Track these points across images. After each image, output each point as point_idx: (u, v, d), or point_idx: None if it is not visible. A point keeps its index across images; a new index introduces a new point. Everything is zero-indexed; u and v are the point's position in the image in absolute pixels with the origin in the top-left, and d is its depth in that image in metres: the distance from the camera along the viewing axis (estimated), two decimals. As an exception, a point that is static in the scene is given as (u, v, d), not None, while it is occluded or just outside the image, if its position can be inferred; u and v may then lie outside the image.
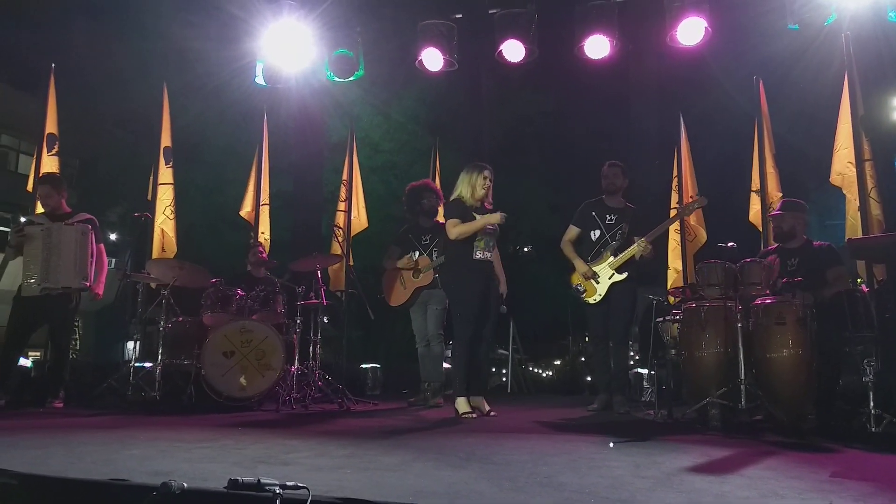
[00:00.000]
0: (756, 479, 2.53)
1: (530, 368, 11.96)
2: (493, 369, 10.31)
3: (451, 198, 4.93)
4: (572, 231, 5.40)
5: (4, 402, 5.24)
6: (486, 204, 4.87)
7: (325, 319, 6.32)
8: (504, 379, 9.67)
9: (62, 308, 5.41)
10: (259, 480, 1.96)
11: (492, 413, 4.76)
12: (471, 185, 4.81)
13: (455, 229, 4.72)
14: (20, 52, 13.66)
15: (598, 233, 5.27)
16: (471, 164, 4.97)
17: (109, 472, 2.37)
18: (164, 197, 7.40)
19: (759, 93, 6.92)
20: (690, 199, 6.87)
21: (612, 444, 3.23)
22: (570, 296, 5.44)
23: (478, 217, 4.76)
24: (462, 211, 4.78)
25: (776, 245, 5.03)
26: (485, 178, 4.82)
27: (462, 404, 4.67)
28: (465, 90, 9.06)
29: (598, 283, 5.18)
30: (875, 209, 5.78)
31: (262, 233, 7.82)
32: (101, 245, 5.68)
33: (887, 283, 5.35)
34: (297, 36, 7.36)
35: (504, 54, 7.14)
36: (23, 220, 5.59)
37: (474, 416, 4.63)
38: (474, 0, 7.46)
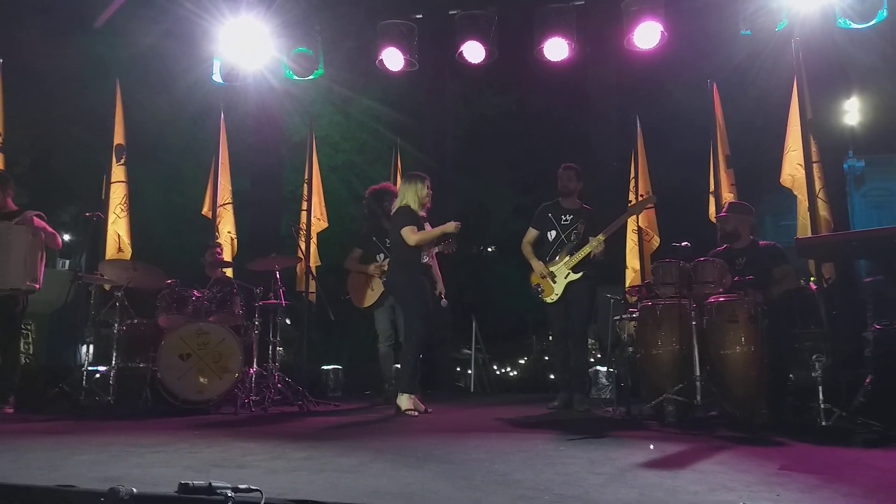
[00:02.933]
0: (707, 473, 2.58)
1: (493, 368, 12.01)
2: (458, 369, 10.33)
3: (399, 205, 5.10)
4: (531, 233, 5.50)
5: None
6: (423, 211, 5.12)
7: (287, 321, 6.26)
8: (465, 381, 9.69)
9: (8, 310, 5.23)
10: (210, 484, 1.94)
11: (428, 410, 4.90)
12: (417, 195, 5.06)
13: (415, 237, 4.92)
14: (-33, 47, 13.21)
15: (554, 233, 5.37)
16: (411, 175, 5.22)
17: (57, 478, 2.31)
18: (116, 195, 7.23)
19: (713, 96, 7.07)
20: (641, 198, 7.01)
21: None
22: (533, 296, 5.50)
23: (425, 226, 5.05)
24: (415, 218, 5.00)
25: (724, 246, 5.14)
26: (427, 187, 5.12)
27: (405, 401, 4.79)
28: (427, 90, 9.05)
29: (554, 282, 5.25)
30: (823, 210, 5.95)
31: (228, 232, 7.70)
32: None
33: (836, 280, 5.52)
34: (255, 33, 7.29)
35: (465, 55, 7.18)
36: None
37: (416, 414, 4.74)
38: (434, 0, 7.48)
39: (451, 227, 4.95)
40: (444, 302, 5.58)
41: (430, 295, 5.10)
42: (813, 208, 5.90)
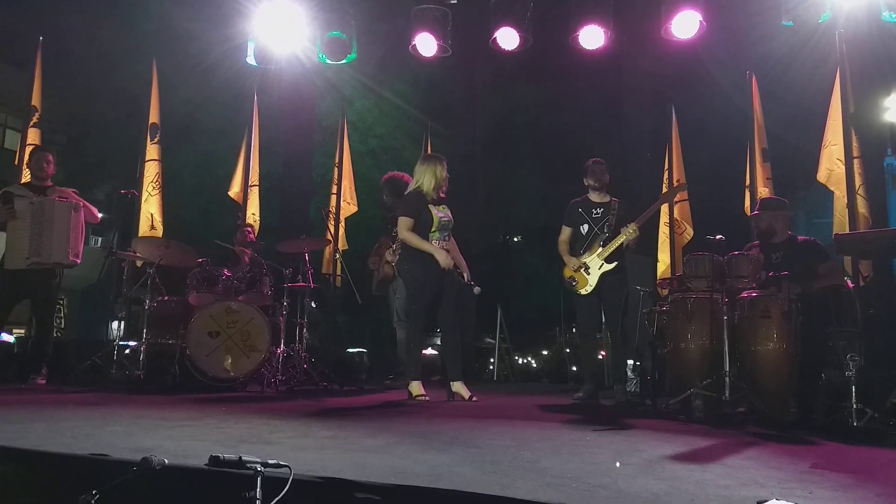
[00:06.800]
0: (737, 468, 2.54)
1: (517, 358, 12.00)
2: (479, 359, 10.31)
3: (413, 188, 4.92)
4: (565, 231, 5.47)
5: (-14, 377, 5.20)
6: (441, 193, 4.92)
7: (313, 304, 6.30)
8: (491, 367, 9.70)
9: (45, 283, 5.35)
10: (241, 458, 1.95)
11: (473, 398, 4.78)
12: (435, 176, 4.84)
13: (406, 234, 4.75)
14: (8, 26, 13.48)
15: (586, 227, 5.35)
16: (429, 156, 5.06)
17: (90, 447, 2.34)
18: (149, 174, 7.34)
19: (752, 88, 6.93)
20: (676, 184, 6.93)
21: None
22: (558, 286, 5.50)
23: (432, 209, 4.80)
24: (418, 205, 4.80)
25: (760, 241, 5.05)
26: (444, 169, 4.90)
27: (415, 387, 4.76)
28: (459, 77, 9.02)
29: (588, 274, 5.23)
30: (862, 207, 5.82)
31: (252, 214, 7.78)
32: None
33: (873, 279, 5.40)
34: (289, 17, 7.31)
35: (498, 42, 7.11)
36: (7, 190, 5.49)
37: (427, 398, 4.70)
38: (469, -14, 7.41)
39: (441, 257, 4.70)
40: (476, 289, 5.38)
41: (446, 282, 4.86)
42: (852, 205, 5.78)
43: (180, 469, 2.05)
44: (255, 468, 1.92)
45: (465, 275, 5.18)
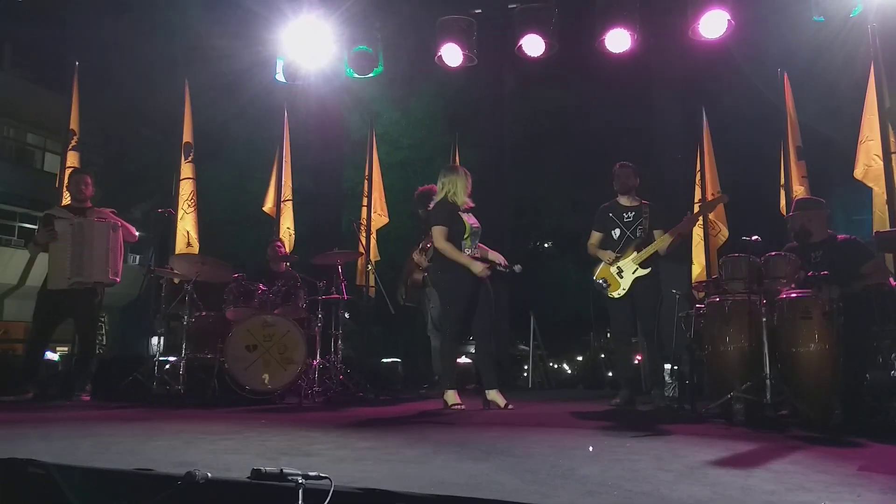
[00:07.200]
0: (782, 472, 2.49)
1: (551, 364, 11.93)
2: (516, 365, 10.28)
3: (439, 199, 4.94)
4: (594, 236, 5.45)
5: (32, 395, 5.34)
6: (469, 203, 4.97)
7: (347, 315, 6.36)
8: (525, 374, 9.67)
9: (87, 302, 5.49)
10: (282, 470, 1.98)
11: (509, 406, 4.77)
12: (465, 187, 4.90)
13: (443, 244, 4.76)
14: (46, 50, 13.94)
15: (618, 231, 5.31)
16: (454, 166, 5.12)
17: (135, 462, 2.39)
18: (183, 192, 7.49)
19: (784, 86, 6.82)
20: (713, 196, 6.84)
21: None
22: (591, 291, 5.44)
23: (464, 217, 4.84)
24: (450, 214, 4.83)
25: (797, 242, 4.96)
26: (470, 178, 4.96)
27: (451, 396, 4.75)
28: (485, 85, 9.04)
29: (621, 277, 5.18)
30: (902, 202, 5.68)
31: (287, 228, 7.88)
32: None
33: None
34: (316, 33, 7.40)
35: (524, 49, 7.11)
36: (49, 213, 5.65)
37: (463, 406, 4.70)
38: (494, -5, 7.43)
39: (477, 269, 4.73)
40: (517, 267, 5.28)
41: (480, 290, 4.86)
42: (891, 200, 5.64)
43: (223, 483, 2.08)
44: (297, 480, 1.95)
45: (502, 262, 5.10)
